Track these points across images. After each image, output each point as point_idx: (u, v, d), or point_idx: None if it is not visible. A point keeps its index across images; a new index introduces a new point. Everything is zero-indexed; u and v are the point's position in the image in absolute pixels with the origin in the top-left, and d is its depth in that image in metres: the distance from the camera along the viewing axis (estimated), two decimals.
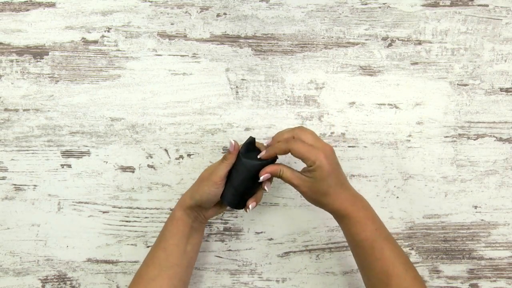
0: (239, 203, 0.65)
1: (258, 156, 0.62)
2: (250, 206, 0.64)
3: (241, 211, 0.76)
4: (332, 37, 0.74)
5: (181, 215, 0.64)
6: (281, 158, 0.68)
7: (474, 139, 0.75)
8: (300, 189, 0.61)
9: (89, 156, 0.75)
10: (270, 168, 0.61)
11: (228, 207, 0.67)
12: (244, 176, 0.62)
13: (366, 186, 0.75)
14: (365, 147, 0.75)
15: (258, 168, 0.62)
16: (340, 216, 0.62)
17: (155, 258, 0.64)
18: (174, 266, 0.63)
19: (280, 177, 0.61)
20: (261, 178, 0.61)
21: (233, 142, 0.61)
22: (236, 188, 0.63)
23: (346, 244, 0.75)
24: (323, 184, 0.59)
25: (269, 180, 0.65)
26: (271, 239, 0.76)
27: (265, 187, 0.64)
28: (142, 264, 0.65)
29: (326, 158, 0.58)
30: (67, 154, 0.75)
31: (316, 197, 0.61)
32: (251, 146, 0.63)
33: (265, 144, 0.65)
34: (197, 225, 0.66)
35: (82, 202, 0.75)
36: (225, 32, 0.74)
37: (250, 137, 0.64)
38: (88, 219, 0.75)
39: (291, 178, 0.61)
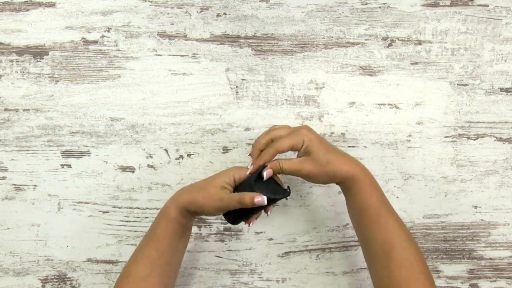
0: (237, 221, 0.64)
1: (247, 172, 0.62)
2: (251, 224, 0.65)
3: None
4: (332, 37, 0.74)
5: (176, 215, 0.63)
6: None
7: (474, 139, 0.75)
8: (305, 170, 0.61)
9: (89, 156, 0.75)
10: (270, 165, 0.62)
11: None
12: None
13: None
14: (365, 147, 0.75)
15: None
16: (349, 181, 0.61)
17: (146, 258, 0.62)
18: (165, 264, 0.62)
19: (281, 170, 0.61)
20: (265, 175, 0.61)
21: (263, 201, 0.59)
22: (239, 209, 0.62)
23: (346, 244, 0.75)
24: (321, 154, 0.60)
25: (256, 217, 0.65)
26: (271, 239, 0.75)
27: (268, 212, 0.65)
28: (131, 261, 0.62)
29: (309, 131, 0.61)
30: (67, 154, 0.75)
31: (321, 169, 0.60)
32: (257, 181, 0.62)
33: (249, 157, 0.65)
34: (191, 223, 0.66)
35: (82, 202, 0.75)
36: (225, 32, 0.74)
37: (261, 167, 0.62)
38: (88, 219, 0.75)
39: (292, 165, 0.61)
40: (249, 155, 0.65)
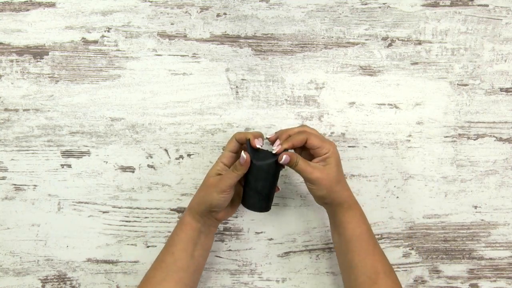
0: (268, 205, 0.64)
1: (274, 151, 0.62)
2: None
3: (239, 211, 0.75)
4: (332, 37, 0.74)
5: (189, 221, 0.64)
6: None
7: (474, 139, 0.74)
8: (314, 175, 0.60)
9: (89, 156, 0.74)
10: (290, 154, 0.61)
11: (247, 209, 0.66)
12: (265, 178, 0.62)
13: (366, 186, 0.74)
14: (365, 147, 0.74)
15: (274, 165, 0.62)
16: (346, 207, 0.63)
17: (163, 262, 0.64)
18: (181, 270, 0.63)
19: (295, 164, 0.61)
20: (282, 160, 0.61)
21: (245, 156, 0.60)
22: (261, 193, 0.63)
23: None
24: (337, 171, 0.62)
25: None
26: (271, 239, 0.75)
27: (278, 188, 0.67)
28: (150, 267, 0.65)
29: (335, 149, 0.63)
30: (67, 154, 0.74)
31: (329, 184, 0.61)
32: (251, 147, 0.62)
33: (267, 138, 0.65)
34: (206, 229, 0.66)
35: (82, 202, 0.74)
36: (225, 32, 0.74)
37: (248, 140, 0.62)
38: (88, 219, 0.74)
39: (307, 164, 0.61)
40: (268, 138, 0.65)
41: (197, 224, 0.64)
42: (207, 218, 0.65)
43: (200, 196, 0.63)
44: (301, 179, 0.67)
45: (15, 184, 0.74)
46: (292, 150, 0.64)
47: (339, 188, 0.62)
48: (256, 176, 0.62)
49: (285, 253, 0.75)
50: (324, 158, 0.61)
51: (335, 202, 0.63)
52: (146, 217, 0.75)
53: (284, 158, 0.61)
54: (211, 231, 0.66)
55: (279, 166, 0.63)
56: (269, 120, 0.74)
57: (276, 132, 0.66)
